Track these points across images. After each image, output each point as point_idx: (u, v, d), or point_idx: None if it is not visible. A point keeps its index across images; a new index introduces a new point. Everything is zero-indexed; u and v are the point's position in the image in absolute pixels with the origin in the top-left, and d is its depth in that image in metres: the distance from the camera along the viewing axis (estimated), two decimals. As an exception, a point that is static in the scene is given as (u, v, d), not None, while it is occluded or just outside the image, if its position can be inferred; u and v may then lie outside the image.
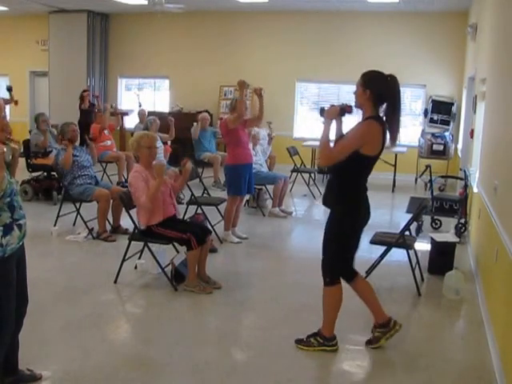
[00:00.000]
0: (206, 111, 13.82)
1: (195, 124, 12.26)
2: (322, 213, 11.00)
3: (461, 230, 8.36)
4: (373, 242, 6.34)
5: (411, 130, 14.32)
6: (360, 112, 4.59)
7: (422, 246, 7.47)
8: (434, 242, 6.96)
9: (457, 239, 7.20)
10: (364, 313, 5.68)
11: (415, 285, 6.18)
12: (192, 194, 8.19)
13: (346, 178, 4.50)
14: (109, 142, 12.01)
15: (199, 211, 8.13)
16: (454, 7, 12.97)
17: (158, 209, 6.09)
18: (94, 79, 16.54)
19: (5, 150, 3.34)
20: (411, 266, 6.21)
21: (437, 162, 12.37)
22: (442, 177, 11.07)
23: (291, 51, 15.03)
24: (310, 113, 15.78)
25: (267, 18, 15.10)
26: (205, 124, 12.26)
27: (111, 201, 8.07)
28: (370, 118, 4.41)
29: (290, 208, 10.47)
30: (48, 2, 14.97)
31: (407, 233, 6.50)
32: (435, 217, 8.87)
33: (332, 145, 4.58)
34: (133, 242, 6.29)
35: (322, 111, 4.64)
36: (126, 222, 8.03)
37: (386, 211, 10.66)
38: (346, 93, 15.21)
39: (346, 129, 4.68)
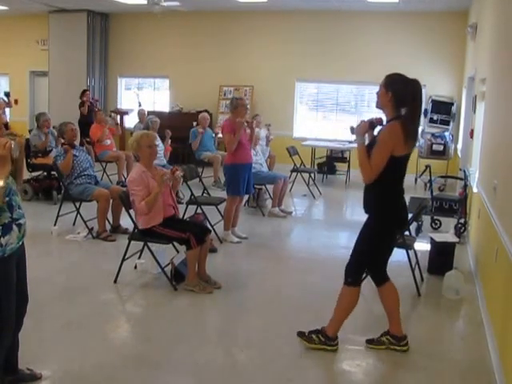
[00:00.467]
0: (206, 111, 13.82)
1: (195, 128, 12.24)
2: (322, 213, 11.04)
3: (460, 230, 8.36)
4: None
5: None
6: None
7: (422, 246, 7.47)
8: (433, 242, 6.96)
9: (456, 239, 7.21)
10: (364, 313, 5.70)
11: (415, 285, 6.19)
12: (192, 194, 8.18)
13: (382, 182, 4.47)
14: (108, 142, 12.01)
15: (199, 211, 8.13)
16: (453, 7, 12.98)
17: (159, 211, 6.08)
18: (93, 79, 16.55)
19: (13, 145, 3.34)
20: (411, 266, 6.21)
21: (436, 162, 12.38)
22: (442, 177, 11.08)
23: (290, 51, 15.03)
24: (310, 113, 15.79)
25: (266, 18, 15.11)
26: (204, 124, 12.26)
27: (111, 200, 8.06)
28: (393, 119, 4.40)
29: (290, 208, 10.47)
30: (48, 2, 14.98)
31: (407, 233, 6.50)
32: (435, 217, 8.87)
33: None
34: (132, 242, 6.29)
35: (353, 130, 4.59)
36: (125, 222, 8.03)
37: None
38: (345, 93, 15.26)
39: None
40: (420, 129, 13.84)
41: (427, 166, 9.13)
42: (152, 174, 6.08)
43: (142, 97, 14.88)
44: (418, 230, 8.42)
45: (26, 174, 10.58)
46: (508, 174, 4.87)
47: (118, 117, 14.92)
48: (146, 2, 13.13)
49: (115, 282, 6.24)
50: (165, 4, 12.18)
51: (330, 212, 11.21)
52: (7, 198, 3.46)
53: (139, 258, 6.63)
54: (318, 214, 11.01)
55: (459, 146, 12.65)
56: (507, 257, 4.34)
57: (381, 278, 4.88)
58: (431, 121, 13.46)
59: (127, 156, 11.68)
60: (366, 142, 4.54)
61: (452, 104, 13.23)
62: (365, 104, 15.20)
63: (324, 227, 9.53)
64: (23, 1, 14.63)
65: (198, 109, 14.79)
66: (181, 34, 16.01)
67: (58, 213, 8.33)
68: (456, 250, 6.94)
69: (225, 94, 15.51)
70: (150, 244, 6.24)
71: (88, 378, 4.26)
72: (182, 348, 4.79)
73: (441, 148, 12.79)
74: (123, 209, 7.02)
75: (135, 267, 6.65)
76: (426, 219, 8.81)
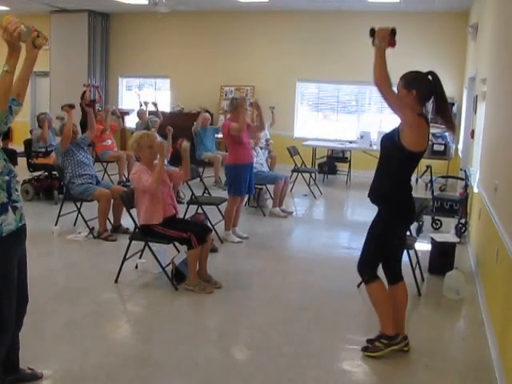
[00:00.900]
0: (207, 111, 13.82)
1: (195, 123, 12.29)
2: (322, 213, 11.04)
3: (461, 230, 8.37)
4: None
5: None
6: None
7: (423, 246, 7.47)
8: (434, 242, 6.96)
9: (457, 239, 7.21)
10: (364, 313, 5.70)
11: (415, 285, 6.19)
12: (192, 194, 8.19)
13: (392, 174, 4.51)
14: (109, 142, 12.02)
15: (200, 211, 8.14)
16: (454, 7, 12.98)
17: (159, 208, 6.09)
18: (94, 79, 16.55)
19: (23, 29, 3.38)
20: (411, 266, 6.22)
21: (437, 162, 12.36)
22: (443, 177, 11.08)
23: (291, 51, 15.04)
24: (311, 113, 15.80)
25: (267, 18, 15.11)
26: (205, 123, 12.27)
27: (112, 200, 8.07)
28: (419, 115, 4.37)
29: (291, 208, 10.48)
30: (49, 2, 14.99)
31: (408, 233, 6.50)
32: (436, 217, 8.87)
33: None
34: (133, 242, 6.30)
35: (373, 32, 4.50)
36: (126, 222, 8.04)
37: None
38: (346, 93, 15.26)
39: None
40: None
41: (428, 166, 9.13)
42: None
43: (143, 97, 14.84)
44: (419, 230, 8.41)
45: (28, 174, 10.60)
46: (509, 174, 4.88)
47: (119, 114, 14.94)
48: (147, 2, 13.15)
49: (116, 281, 6.25)
50: (169, 5, 12.18)
51: (330, 212, 11.21)
52: (7, 177, 3.48)
53: (140, 257, 6.64)
54: (318, 214, 11.01)
55: (460, 146, 12.65)
56: (508, 257, 4.34)
57: (394, 277, 4.85)
58: (432, 121, 13.43)
59: (128, 156, 11.69)
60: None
61: (453, 104, 13.22)
62: (365, 104, 15.20)
63: (325, 227, 9.53)
64: (24, 1, 14.63)
65: (199, 109, 14.76)
66: (182, 34, 16.02)
67: (59, 213, 8.34)
68: (457, 250, 6.95)
69: (226, 94, 15.51)
70: (150, 244, 6.25)
71: (88, 378, 4.26)
72: (182, 348, 4.79)
73: (441, 148, 12.79)
74: (124, 209, 7.02)
75: (136, 267, 6.65)
76: (427, 219, 8.81)
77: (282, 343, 4.94)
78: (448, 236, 7.28)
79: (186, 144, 6.49)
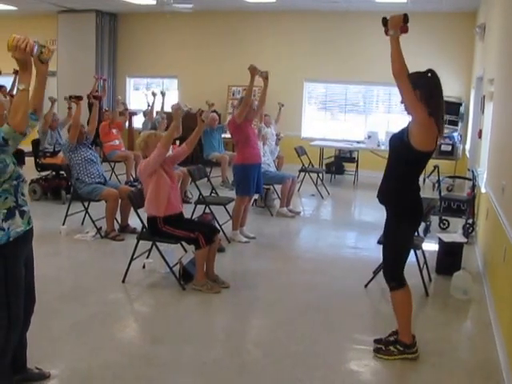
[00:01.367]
0: (215, 111, 13.81)
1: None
2: (330, 213, 11.04)
3: (468, 231, 8.35)
4: (380, 242, 6.30)
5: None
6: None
7: (430, 246, 7.47)
8: (441, 243, 6.95)
9: (464, 239, 7.19)
10: (371, 313, 5.71)
11: (423, 285, 6.18)
12: (200, 194, 8.20)
13: (398, 175, 4.50)
14: (117, 142, 12.03)
15: (207, 211, 8.14)
16: (462, 7, 12.95)
17: (164, 199, 6.07)
18: (101, 77, 16.56)
19: (34, 46, 3.41)
20: (419, 266, 6.21)
21: (445, 162, 12.33)
22: (450, 177, 11.05)
23: (299, 51, 15.04)
24: (318, 113, 15.79)
25: (275, 18, 15.11)
26: (213, 124, 12.27)
27: (119, 200, 8.08)
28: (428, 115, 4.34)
29: (298, 208, 10.47)
30: (57, 2, 15.02)
31: (415, 233, 6.49)
32: (443, 217, 8.86)
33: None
34: (141, 241, 6.31)
35: (385, 20, 4.51)
36: (134, 222, 8.05)
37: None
38: (354, 93, 15.24)
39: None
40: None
41: (435, 167, 9.11)
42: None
43: (150, 97, 14.82)
44: (426, 230, 8.40)
45: (35, 174, 10.62)
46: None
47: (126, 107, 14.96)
48: (154, 3, 13.15)
49: (123, 281, 6.26)
50: (174, 6, 12.17)
51: (338, 212, 11.20)
52: (15, 182, 3.49)
53: (147, 257, 6.66)
54: (326, 214, 11.00)
55: (467, 146, 12.64)
56: (515, 257, 4.34)
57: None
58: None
59: (136, 156, 11.69)
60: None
61: (460, 104, 13.18)
62: (373, 104, 15.19)
63: (332, 227, 9.52)
64: (32, 1, 14.66)
65: (206, 109, 14.76)
66: (189, 34, 16.03)
67: (67, 212, 8.36)
68: (464, 250, 6.93)
69: (233, 94, 15.52)
70: (158, 244, 6.27)
71: (95, 377, 4.27)
72: (189, 347, 4.80)
73: (449, 148, 12.77)
74: (132, 208, 7.05)
75: (143, 267, 6.67)
76: (434, 219, 8.80)
77: (289, 343, 4.95)
78: (455, 236, 7.27)
79: (206, 114, 6.51)
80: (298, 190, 11.49)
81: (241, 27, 15.55)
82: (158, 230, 6.09)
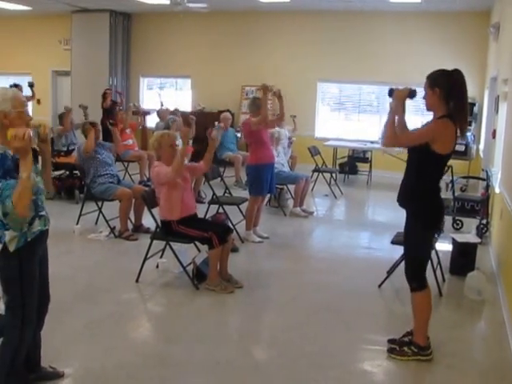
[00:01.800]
0: (228, 111, 13.83)
1: (217, 125, 12.28)
2: (343, 213, 11.02)
3: (482, 231, 8.31)
4: (394, 242, 6.31)
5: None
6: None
7: (444, 246, 7.44)
8: (455, 243, 6.93)
9: (478, 240, 7.17)
10: (385, 313, 5.69)
11: (436, 285, 6.15)
12: (214, 194, 8.21)
13: (419, 177, 4.47)
14: (130, 141, 12.05)
15: (221, 210, 8.15)
16: (476, 7, 12.89)
17: (177, 204, 6.09)
18: (116, 78, 16.64)
19: (31, 134, 3.34)
20: (432, 266, 6.17)
21: (458, 162, 12.28)
22: (464, 177, 11.00)
23: (313, 51, 15.00)
24: (331, 113, 15.76)
25: (289, 18, 15.09)
26: (226, 124, 12.28)
27: (133, 200, 8.10)
28: (443, 116, 4.33)
29: (312, 208, 10.46)
30: (71, 2, 15.07)
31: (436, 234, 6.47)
32: (457, 217, 8.83)
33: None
34: (155, 241, 6.33)
35: (392, 92, 4.54)
36: (147, 221, 8.06)
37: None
38: (367, 93, 15.20)
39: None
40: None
41: (449, 167, 9.06)
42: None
43: (164, 96, 14.86)
44: (440, 230, 8.36)
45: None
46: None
47: (141, 117, 15.02)
48: (168, 2, 13.17)
49: (137, 281, 6.28)
50: (188, 5, 12.18)
51: (351, 212, 11.19)
52: (34, 197, 3.51)
53: (161, 257, 6.67)
54: (339, 214, 10.99)
55: (481, 146, 12.58)
56: (530, 258, 4.32)
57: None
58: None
59: (149, 156, 11.70)
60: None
61: (474, 104, 13.13)
62: (387, 104, 15.12)
63: (345, 227, 9.51)
64: (46, 1, 14.72)
65: (220, 109, 14.80)
66: (203, 34, 16.04)
67: (81, 212, 8.39)
68: (478, 250, 6.91)
69: (247, 94, 15.50)
70: (172, 243, 6.27)
71: (109, 377, 4.29)
72: (203, 347, 4.80)
73: (462, 148, 12.70)
74: (145, 208, 7.07)
75: (157, 266, 6.68)
76: (448, 220, 8.76)
77: (302, 343, 4.95)
78: (469, 236, 7.24)
79: (215, 134, 6.52)
80: (312, 189, 11.47)
81: (254, 27, 15.54)
82: (172, 230, 6.10)
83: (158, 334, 5.25)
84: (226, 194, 8.81)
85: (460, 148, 12.62)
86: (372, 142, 13.60)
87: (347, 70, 14.77)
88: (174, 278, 6.48)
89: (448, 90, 4.31)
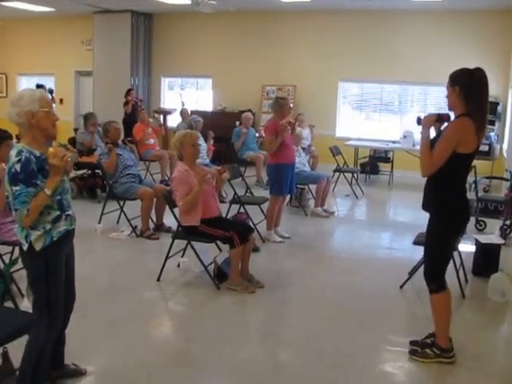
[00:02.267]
0: (249, 110, 13.83)
1: (238, 128, 12.32)
2: (364, 213, 10.98)
3: (506, 232, 8.25)
4: (416, 242, 6.27)
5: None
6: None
7: (467, 247, 7.36)
8: (478, 244, 6.87)
9: (502, 241, 7.10)
10: (406, 314, 5.66)
11: (459, 286, 6.10)
12: (235, 193, 8.21)
13: (443, 179, 4.40)
14: (152, 141, 12.09)
15: (242, 210, 8.15)
16: (499, 5, 12.77)
17: (197, 211, 6.09)
18: (137, 78, 16.70)
19: (69, 159, 3.48)
20: (455, 267, 6.12)
21: (481, 162, 12.19)
22: (487, 177, 10.93)
23: (334, 51, 14.95)
24: (353, 112, 15.71)
25: (310, 18, 15.06)
26: (247, 124, 12.29)
27: (155, 199, 8.12)
28: (462, 115, 4.27)
29: (333, 208, 10.42)
30: (93, 3, 15.16)
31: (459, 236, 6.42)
32: (480, 218, 8.76)
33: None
34: (176, 240, 6.34)
35: (420, 120, 4.47)
36: (169, 221, 8.09)
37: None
38: (388, 92, 15.14)
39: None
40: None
41: (472, 167, 8.99)
42: (195, 173, 6.12)
43: (184, 96, 14.90)
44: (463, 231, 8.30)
45: (71, 172, 10.69)
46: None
47: (162, 116, 15.07)
48: (189, 2, 13.19)
49: (158, 280, 6.29)
50: (208, 3, 12.19)
51: (372, 212, 11.14)
52: (58, 197, 3.56)
53: (182, 256, 6.68)
54: (360, 215, 10.95)
55: (505, 146, 12.48)
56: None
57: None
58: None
59: (170, 155, 11.75)
60: (432, 135, 4.46)
61: (497, 104, 13.03)
62: (408, 104, 15.06)
63: (366, 227, 9.47)
64: (69, 2, 14.81)
65: (241, 108, 14.81)
66: (224, 34, 16.06)
67: (103, 211, 8.42)
68: (501, 251, 6.83)
69: (268, 94, 15.50)
70: (193, 243, 6.28)
71: (131, 376, 4.30)
72: (224, 347, 4.80)
73: (486, 148, 12.60)
74: (167, 207, 7.08)
75: (178, 265, 6.69)
76: (471, 220, 8.66)
77: (323, 343, 4.93)
78: (492, 237, 7.18)
79: (226, 176, 6.63)
80: (333, 189, 11.44)
81: (275, 27, 15.52)
82: (194, 230, 6.10)
83: (179, 333, 5.25)
84: (247, 194, 8.80)
85: (483, 148, 12.51)
86: (393, 142, 13.56)
87: (368, 70, 14.71)
88: (195, 278, 6.49)
89: (469, 89, 4.24)
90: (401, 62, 14.12)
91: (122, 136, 8.99)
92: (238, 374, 4.38)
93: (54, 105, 11.15)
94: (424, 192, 4.61)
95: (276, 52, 15.49)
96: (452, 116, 4.41)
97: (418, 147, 12.38)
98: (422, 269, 6.27)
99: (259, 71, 15.61)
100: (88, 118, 11.01)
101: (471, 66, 4.37)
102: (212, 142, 11.57)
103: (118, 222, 8.56)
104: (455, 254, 6.19)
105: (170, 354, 4.68)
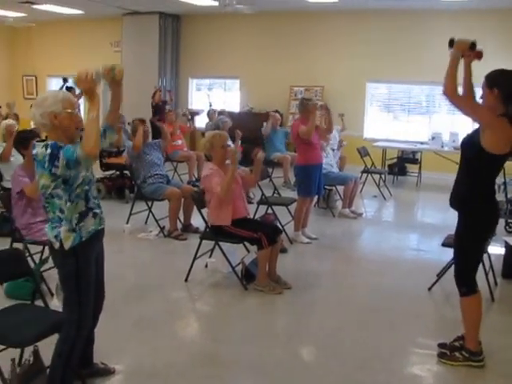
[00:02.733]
0: (277, 111, 13.82)
1: (265, 123, 12.34)
2: (392, 214, 10.93)
3: (536, 234, 8.17)
4: (445, 244, 6.23)
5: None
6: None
7: (496, 249, 7.29)
8: (508, 246, 6.80)
9: (532, 243, 7.03)
10: (435, 316, 5.62)
11: (488, 289, 6.04)
12: (262, 194, 8.22)
13: (473, 180, 4.35)
14: (179, 142, 12.14)
15: (269, 211, 8.16)
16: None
17: (228, 210, 6.11)
18: (165, 80, 16.76)
19: (94, 74, 3.43)
20: (484, 269, 6.06)
21: (510, 163, 12.08)
22: (517, 179, 10.82)
23: (362, 51, 14.87)
24: (380, 113, 15.64)
25: (337, 18, 15.01)
26: (275, 124, 12.29)
27: (182, 200, 8.15)
28: (500, 115, 4.17)
29: (360, 209, 10.38)
30: (121, 5, 15.25)
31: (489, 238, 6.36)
32: (509, 220, 8.67)
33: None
34: (204, 241, 6.35)
35: (452, 42, 4.36)
36: (196, 221, 8.12)
37: (458, 213, 10.46)
38: (416, 93, 15.05)
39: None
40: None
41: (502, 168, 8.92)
42: (225, 172, 6.12)
43: (212, 97, 14.92)
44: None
45: (100, 173, 10.79)
46: None
47: (190, 117, 15.13)
48: (217, 4, 13.23)
49: (186, 280, 6.31)
50: (236, 6, 12.22)
51: (400, 214, 11.08)
52: (86, 187, 3.62)
53: (210, 256, 6.69)
54: (388, 216, 10.90)
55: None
56: None
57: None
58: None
59: (198, 156, 11.79)
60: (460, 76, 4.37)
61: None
62: (436, 104, 14.96)
63: (394, 229, 9.43)
64: (98, 5, 14.91)
65: (268, 109, 14.79)
66: (251, 35, 16.07)
67: (131, 211, 8.48)
68: (531, 254, 6.78)
69: (295, 95, 15.49)
70: (221, 243, 6.29)
71: (159, 375, 4.32)
72: (251, 348, 4.81)
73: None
74: (194, 208, 7.10)
75: (206, 266, 6.71)
76: (500, 222, 8.58)
77: (351, 345, 4.91)
78: (523, 240, 7.11)
79: (261, 155, 6.56)
80: (361, 191, 11.38)
81: (302, 28, 15.49)
82: (221, 230, 6.12)
83: (206, 334, 5.27)
84: (274, 195, 8.80)
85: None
86: (421, 143, 13.47)
87: (396, 70, 14.61)
88: (222, 278, 6.50)
89: (508, 91, 4.17)
90: (429, 62, 13.97)
91: (150, 137, 9.02)
92: (265, 375, 4.38)
93: (80, 102, 11.19)
94: (452, 190, 4.55)
95: (304, 53, 15.46)
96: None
97: (446, 148, 12.34)
98: (450, 271, 6.24)
99: (287, 72, 15.58)
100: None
101: (501, 66, 4.31)
102: (240, 142, 11.58)
103: (146, 222, 8.60)
104: (484, 256, 6.14)
105: (197, 354, 4.69)
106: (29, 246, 5.83)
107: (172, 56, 17.00)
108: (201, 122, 14.78)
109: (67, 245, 3.57)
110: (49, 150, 3.40)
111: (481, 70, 4.36)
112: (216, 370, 4.42)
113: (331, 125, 8.32)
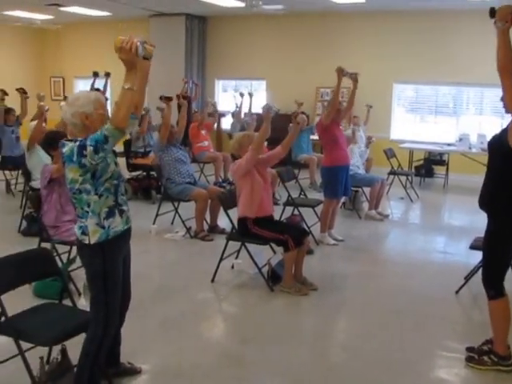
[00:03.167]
0: (303, 113, 13.78)
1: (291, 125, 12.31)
2: (419, 216, 10.88)
3: None
4: (473, 247, 6.16)
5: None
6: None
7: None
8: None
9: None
10: (462, 320, 5.57)
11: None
12: (289, 195, 8.21)
13: (503, 181, 4.26)
14: (206, 143, 12.16)
15: (296, 212, 8.15)
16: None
17: (257, 200, 6.12)
18: (191, 81, 16.79)
19: (139, 45, 3.49)
20: (513, 272, 6.03)
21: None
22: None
23: (388, 52, 14.81)
24: (407, 114, 15.56)
25: (364, 19, 14.95)
26: (302, 125, 12.25)
27: (209, 201, 8.16)
28: None
29: (387, 211, 10.32)
30: (148, 7, 15.33)
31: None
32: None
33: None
34: (230, 242, 6.36)
35: (493, 11, 4.18)
36: (223, 222, 8.14)
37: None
38: (444, 94, 14.94)
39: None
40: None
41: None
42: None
43: (238, 98, 14.90)
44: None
45: (126, 174, 10.85)
46: None
47: (217, 117, 15.14)
48: (243, 5, 13.25)
49: (212, 281, 6.33)
50: (263, 7, 12.22)
51: (427, 216, 11.01)
52: (115, 182, 3.64)
53: (236, 258, 6.70)
54: (415, 218, 10.84)
55: None
56: None
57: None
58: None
59: (224, 157, 11.81)
60: None
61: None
62: (464, 106, 14.85)
63: (421, 231, 9.38)
64: (125, 6, 15.00)
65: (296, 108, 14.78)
66: (277, 36, 16.06)
67: (157, 212, 8.51)
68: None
69: (322, 96, 15.46)
70: (247, 244, 6.30)
71: (185, 375, 4.34)
72: (277, 349, 4.80)
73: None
74: (221, 209, 7.11)
75: (232, 267, 6.71)
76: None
77: (377, 347, 4.89)
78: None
79: (302, 117, 6.57)
80: (387, 192, 11.32)
81: (329, 28, 15.46)
82: (248, 231, 6.12)
83: (232, 335, 5.28)
84: (301, 196, 8.79)
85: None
86: (449, 145, 13.37)
87: (423, 71, 14.52)
88: (248, 279, 6.51)
89: None
90: (456, 64, 13.90)
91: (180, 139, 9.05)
92: (291, 376, 4.38)
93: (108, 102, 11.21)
94: (481, 191, 4.48)
95: (330, 54, 15.40)
96: None
97: (474, 150, 12.20)
98: (478, 274, 6.18)
99: (313, 73, 15.55)
100: (141, 118, 11.11)
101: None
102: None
103: (172, 223, 8.62)
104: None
105: (222, 355, 4.70)
106: (56, 245, 5.88)
107: (198, 57, 17.05)
108: (227, 123, 14.80)
109: (94, 239, 3.57)
110: (77, 143, 3.41)
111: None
112: (242, 371, 4.42)
113: (353, 100, 8.24)
